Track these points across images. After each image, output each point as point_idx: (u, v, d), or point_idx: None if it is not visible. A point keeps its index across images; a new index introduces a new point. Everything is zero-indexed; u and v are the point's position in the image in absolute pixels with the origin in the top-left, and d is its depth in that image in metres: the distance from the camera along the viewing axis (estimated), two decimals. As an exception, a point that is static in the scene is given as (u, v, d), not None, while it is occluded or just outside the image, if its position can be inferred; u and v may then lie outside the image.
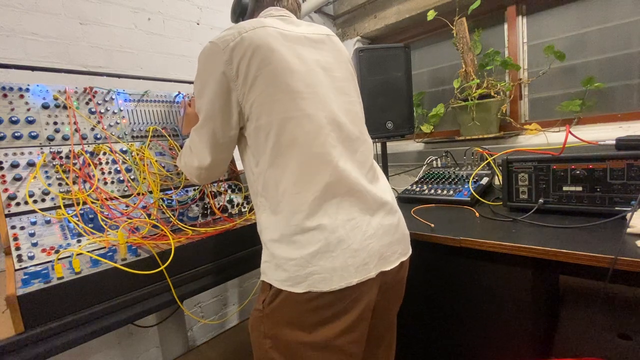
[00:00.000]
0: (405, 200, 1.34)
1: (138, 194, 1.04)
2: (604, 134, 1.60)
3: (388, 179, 1.85)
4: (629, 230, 0.75)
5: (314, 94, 0.72)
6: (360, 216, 0.71)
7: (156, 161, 1.10)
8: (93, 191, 0.96)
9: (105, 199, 0.97)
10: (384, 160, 2.03)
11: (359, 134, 0.81)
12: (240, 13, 0.90)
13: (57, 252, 0.84)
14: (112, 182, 1.02)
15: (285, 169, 0.69)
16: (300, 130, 0.69)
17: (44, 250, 0.84)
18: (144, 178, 1.05)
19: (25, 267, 0.79)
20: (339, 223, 0.67)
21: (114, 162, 1.03)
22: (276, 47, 0.70)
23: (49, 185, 0.90)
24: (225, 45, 0.70)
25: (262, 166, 0.72)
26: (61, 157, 0.94)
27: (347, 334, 0.68)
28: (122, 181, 1.03)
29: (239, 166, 1.30)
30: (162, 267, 0.82)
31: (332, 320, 0.67)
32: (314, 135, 0.70)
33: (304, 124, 0.70)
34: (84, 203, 0.93)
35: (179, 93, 1.25)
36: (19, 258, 0.80)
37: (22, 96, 0.91)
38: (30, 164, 0.89)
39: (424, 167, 1.63)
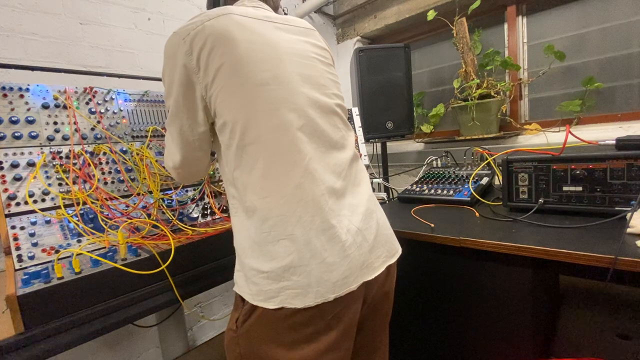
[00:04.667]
0: (405, 200, 1.34)
1: (138, 194, 1.04)
2: (604, 134, 1.60)
3: (388, 180, 1.86)
4: (629, 230, 0.75)
5: (281, 83, 0.65)
6: (338, 223, 0.63)
7: (156, 161, 1.10)
8: (93, 191, 0.96)
9: (105, 199, 0.97)
10: (384, 160, 2.04)
11: (336, 128, 0.72)
12: (213, 2, 0.84)
13: (57, 252, 0.84)
14: (112, 182, 1.02)
15: (251, 171, 0.63)
16: (265, 127, 0.63)
17: (44, 250, 0.84)
18: (144, 178, 1.05)
19: (26, 267, 0.80)
20: (312, 234, 0.60)
21: (114, 162, 1.03)
22: (240, 35, 0.64)
23: (49, 185, 0.90)
24: (185, 34, 0.64)
25: (231, 166, 0.66)
26: (61, 157, 0.94)
27: (331, 353, 0.63)
28: (122, 181, 1.03)
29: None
30: (163, 267, 0.81)
31: (313, 338, 0.61)
32: (281, 132, 0.63)
33: (269, 119, 0.63)
34: (84, 203, 0.93)
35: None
36: (19, 258, 0.80)
37: (22, 96, 0.91)
38: (30, 164, 0.89)
39: (424, 167, 1.63)
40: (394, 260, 0.74)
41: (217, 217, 1.16)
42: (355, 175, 0.73)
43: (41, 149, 0.92)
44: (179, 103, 0.68)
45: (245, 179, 0.64)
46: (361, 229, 0.66)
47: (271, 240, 0.61)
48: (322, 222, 0.62)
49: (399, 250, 0.77)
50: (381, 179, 1.56)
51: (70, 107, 0.98)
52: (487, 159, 1.33)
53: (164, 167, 1.11)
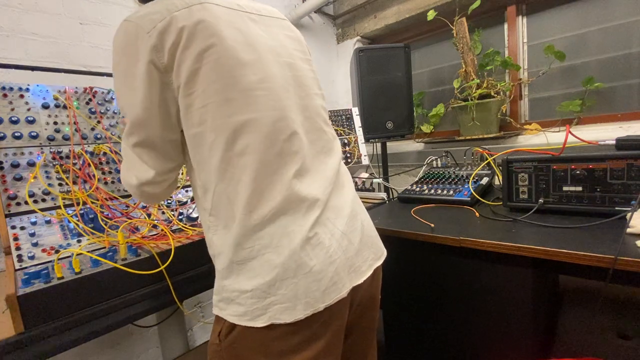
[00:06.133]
0: (405, 200, 1.34)
1: (138, 194, 1.04)
2: (604, 134, 1.60)
3: (388, 180, 1.86)
4: (629, 230, 0.75)
5: (269, 89, 0.60)
6: (322, 229, 0.61)
7: (156, 161, 1.10)
8: (93, 191, 0.96)
9: (105, 199, 0.97)
10: (384, 160, 2.04)
11: (322, 132, 0.70)
12: None
13: (57, 252, 0.84)
14: (112, 182, 1.02)
15: (238, 183, 0.58)
16: (255, 135, 0.58)
17: (44, 250, 0.84)
18: (144, 178, 1.05)
19: (26, 267, 0.79)
20: (298, 243, 0.57)
21: (114, 162, 1.03)
22: (221, 30, 0.57)
23: (49, 185, 0.90)
24: (150, 27, 0.55)
25: (210, 180, 0.60)
26: (61, 157, 0.94)
27: None
28: (122, 181, 1.03)
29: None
30: (162, 267, 0.81)
31: (301, 347, 0.58)
32: (270, 141, 0.59)
33: (258, 127, 0.58)
34: (84, 203, 0.93)
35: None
36: (19, 258, 0.80)
37: (22, 96, 0.91)
38: (31, 164, 0.89)
39: (424, 167, 1.63)
40: (380, 262, 0.73)
41: (217, 217, 1.16)
42: (339, 177, 0.71)
43: (41, 149, 0.92)
44: (145, 106, 0.59)
45: (232, 192, 0.58)
46: (346, 232, 0.64)
47: (255, 255, 0.57)
48: (308, 231, 0.59)
49: (384, 252, 0.76)
50: (381, 179, 1.56)
51: (70, 107, 0.98)
52: (487, 159, 1.33)
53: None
